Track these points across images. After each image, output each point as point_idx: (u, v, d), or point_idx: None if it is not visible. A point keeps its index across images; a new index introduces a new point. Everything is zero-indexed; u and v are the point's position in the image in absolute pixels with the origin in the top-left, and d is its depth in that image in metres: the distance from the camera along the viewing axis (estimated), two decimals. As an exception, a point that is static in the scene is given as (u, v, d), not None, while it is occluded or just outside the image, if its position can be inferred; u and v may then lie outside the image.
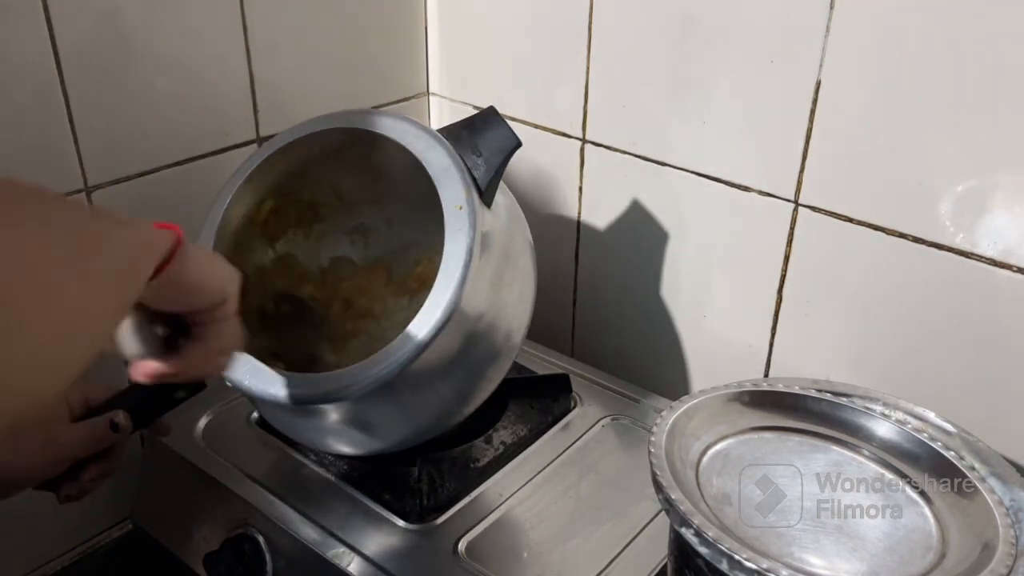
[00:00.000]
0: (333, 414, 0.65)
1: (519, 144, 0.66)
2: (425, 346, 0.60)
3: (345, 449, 0.70)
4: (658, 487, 0.52)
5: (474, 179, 0.64)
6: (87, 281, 0.37)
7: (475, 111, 0.97)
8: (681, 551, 0.54)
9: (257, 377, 0.63)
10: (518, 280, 0.70)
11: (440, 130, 0.67)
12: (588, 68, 0.86)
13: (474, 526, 0.68)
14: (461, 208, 0.62)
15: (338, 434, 0.68)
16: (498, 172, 0.65)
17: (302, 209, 0.80)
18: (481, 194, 0.64)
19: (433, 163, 0.64)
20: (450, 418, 0.70)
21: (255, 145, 0.85)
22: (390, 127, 0.67)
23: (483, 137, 0.66)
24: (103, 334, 0.40)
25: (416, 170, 0.65)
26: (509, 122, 0.92)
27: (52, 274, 0.34)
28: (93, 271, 0.38)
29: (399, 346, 0.60)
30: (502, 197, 0.69)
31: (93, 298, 0.38)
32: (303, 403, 0.62)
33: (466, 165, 0.64)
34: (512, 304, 0.69)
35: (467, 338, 0.64)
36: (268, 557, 0.69)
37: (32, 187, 0.36)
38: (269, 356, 0.67)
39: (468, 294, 0.61)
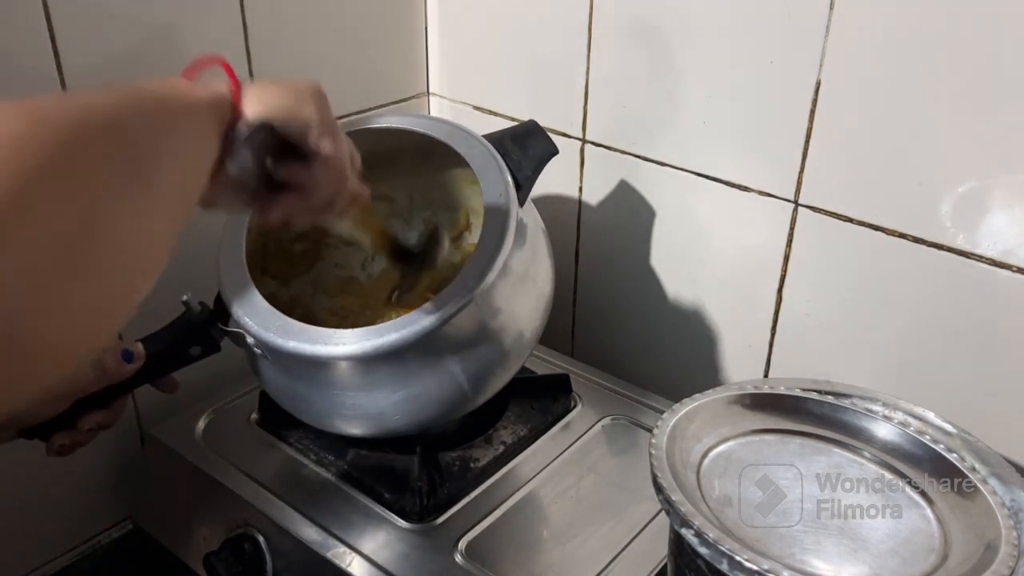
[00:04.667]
0: (346, 378, 0.65)
1: (556, 152, 0.73)
2: (451, 316, 0.62)
3: (351, 428, 0.70)
4: (659, 488, 0.52)
5: (514, 177, 0.68)
6: (152, 208, 0.36)
7: (475, 111, 0.98)
8: (681, 552, 0.54)
9: (282, 331, 0.64)
10: (540, 279, 0.72)
11: (484, 136, 0.71)
12: (588, 68, 0.86)
13: (474, 526, 0.69)
14: (502, 195, 0.67)
15: (346, 408, 0.68)
16: (535, 173, 0.71)
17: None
18: (518, 191, 0.68)
19: (476, 159, 0.69)
20: (455, 407, 0.70)
21: (255, 145, 0.85)
22: (437, 129, 0.72)
23: (523, 143, 0.71)
24: (171, 245, 0.39)
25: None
26: (509, 122, 0.92)
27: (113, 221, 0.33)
28: (156, 196, 0.37)
29: (424, 312, 0.62)
30: (530, 206, 0.72)
31: (158, 218, 0.37)
32: (322, 358, 0.63)
33: (507, 164, 0.69)
34: (532, 301, 0.71)
35: (488, 322, 0.66)
36: (268, 557, 0.69)
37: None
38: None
39: (499, 277, 0.64)
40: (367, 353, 0.62)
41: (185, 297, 0.65)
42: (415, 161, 0.80)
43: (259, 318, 0.64)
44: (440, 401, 0.68)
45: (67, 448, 0.57)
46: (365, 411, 0.68)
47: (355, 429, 0.70)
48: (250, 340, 0.65)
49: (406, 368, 0.65)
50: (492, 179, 0.68)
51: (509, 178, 0.68)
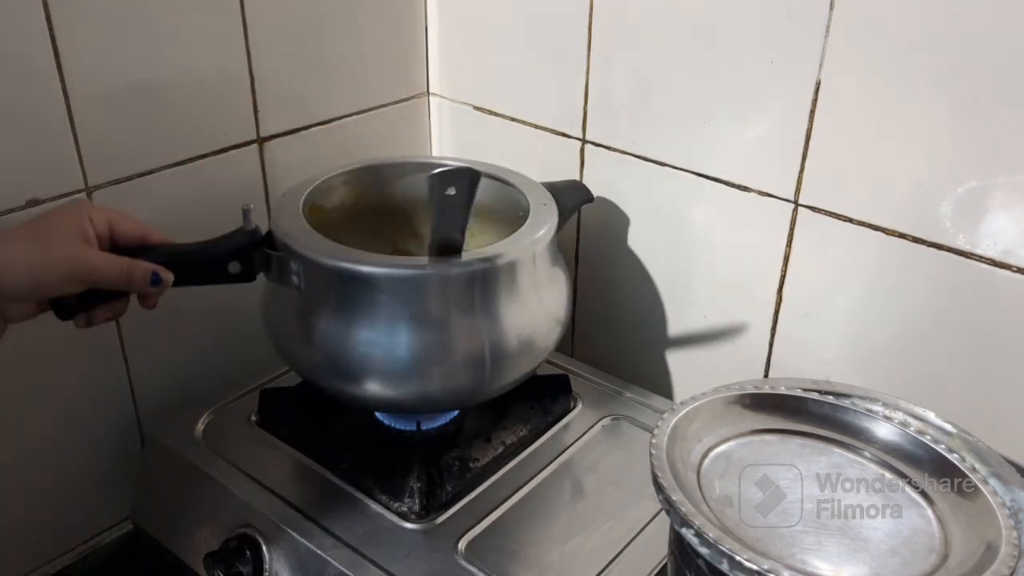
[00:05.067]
0: (379, 304, 0.67)
1: (592, 199, 0.84)
2: (494, 265, 0.67)
3: (365, 381, 0.69)
4: (659, 488, 0.52)
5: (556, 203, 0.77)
6: None
7: (475, 111, 0.98)
8: (681, 552, 0.54)
9: (327, 250, 0.67)
10: (558, 291, 0.75)
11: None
12: (588, 68, 0.86)
13: (474, 526, 0.69)
14: (546, 205, 0.75)
15: (364, 346, 0.68)
16: (572, 210, 0.82)
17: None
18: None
19: (520, 183, 0.79)
20: (469, 387, 0.70)
21: (255, 145, 0.85)
22: (486, 168, 0.80)
23: (568, 189, 0.81)
24: None
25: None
26: (509, 122, 0.93)
27: None
28: None
29: (473, 256, 0.67)
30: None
31: None
32: (363, 275, 0.66)
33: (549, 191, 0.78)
34: (552, 308, 0.74)
35: (514, 299, 0.70)
36: (268, 557, 0.69)
37: None
38: None
39: (534, 259, 0.70)
40: (407, 275, 0.66)
41: (247, 206, 0.66)
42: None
43: (305, 239, 0.68)
44: (455, 369, 0.69)
45: (81, 325, 0.62)
46: (384, 354, 0.67)
47: (370, 382, 0.69)
48: (294, 266, 0.67)
49: (437, 309, 0.67)
50: (537, 194, 0.77)
51: (551, 196, 0.76)
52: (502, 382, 0.72)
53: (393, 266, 0.67)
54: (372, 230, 0.83)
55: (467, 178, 0.61)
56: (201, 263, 0.66)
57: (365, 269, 0.66)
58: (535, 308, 0.72)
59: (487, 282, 0.68)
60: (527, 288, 0.70)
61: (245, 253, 0.67)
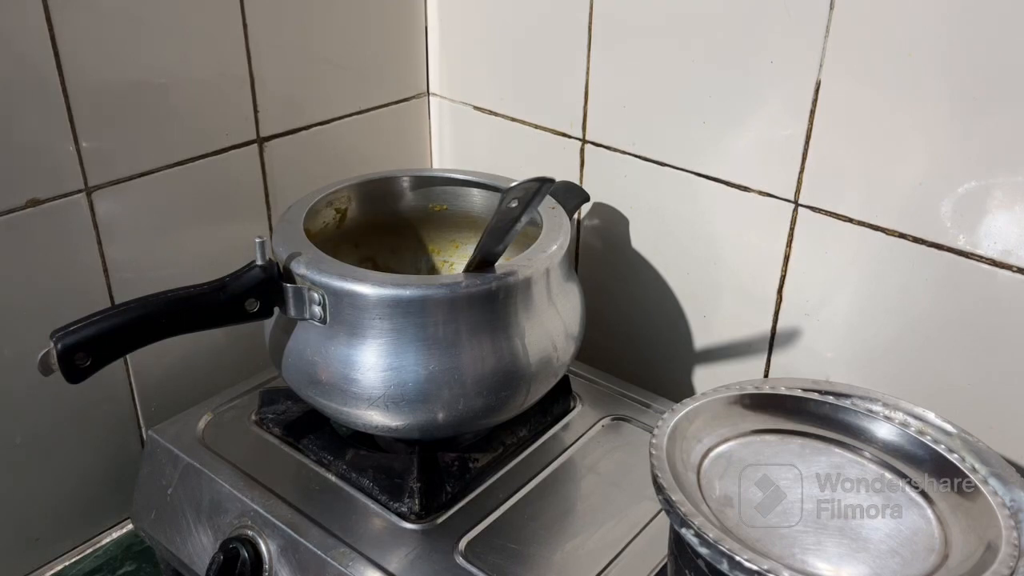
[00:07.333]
0: (400, 326, 0.65)
1: (588, 199, 0.87)
2: (512, 282, 0.66)
3: (376, 409, 0.67)
4: (659, 488, 0.52)
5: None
6: None
7: (475, 111, 0.98)
8: (681, 552, 0.54)
9: (349, 274, 0.65)
10: (574, 303, 0.76)
11: None
12: (588, 68, 0.86)
13: (474, 526, 0.69)
14: (555, 208, 0.76)
15: (382, 370, 0.66)
16: (570, 211, 0.81)
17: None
18: None
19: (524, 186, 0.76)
20: (495, 408, 0.70)
21: (255, 145, 0.85)
22: (485, 177, 0.83)
23: (559, 188, 0.80)
24: None
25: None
26: (509, 122, 0.93)
27: None
28: None
29: (490, 271, 0.66)
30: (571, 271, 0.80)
31: None
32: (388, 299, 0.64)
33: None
34: (566, 320, 0.74)
35: (534, 317, 0.70)
36: (268, 557, 0.69)
37: None
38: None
39: (553, 265, 0.70)
40: (431, 296, 0.64)
41: (260, 238, 0.65)
42: (436, 228, 0.87)
43: (331, 267, 0.66)
44: (489, 388, 0.68)
45: None
46: (399, 379, 0.66)
47: (376, 413, 0.68)
48: (316, 296, 0.65)
49: (459, 331, 0.66)
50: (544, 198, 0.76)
51: (555, 200, 0.77)
52: (531, 399, 0.72)
53: (432, 286, 0.65)
54: (352, 249, 0.83)
55: (530, 192, 0.59)
56: (215, 305, 0.64)
57: (408, 293, 0.64)
58: (552, 325, 0.72)
59: (504, 301, 0.67)
60: (544, 301, 0.71)
61: (263, 289, 0.65)
